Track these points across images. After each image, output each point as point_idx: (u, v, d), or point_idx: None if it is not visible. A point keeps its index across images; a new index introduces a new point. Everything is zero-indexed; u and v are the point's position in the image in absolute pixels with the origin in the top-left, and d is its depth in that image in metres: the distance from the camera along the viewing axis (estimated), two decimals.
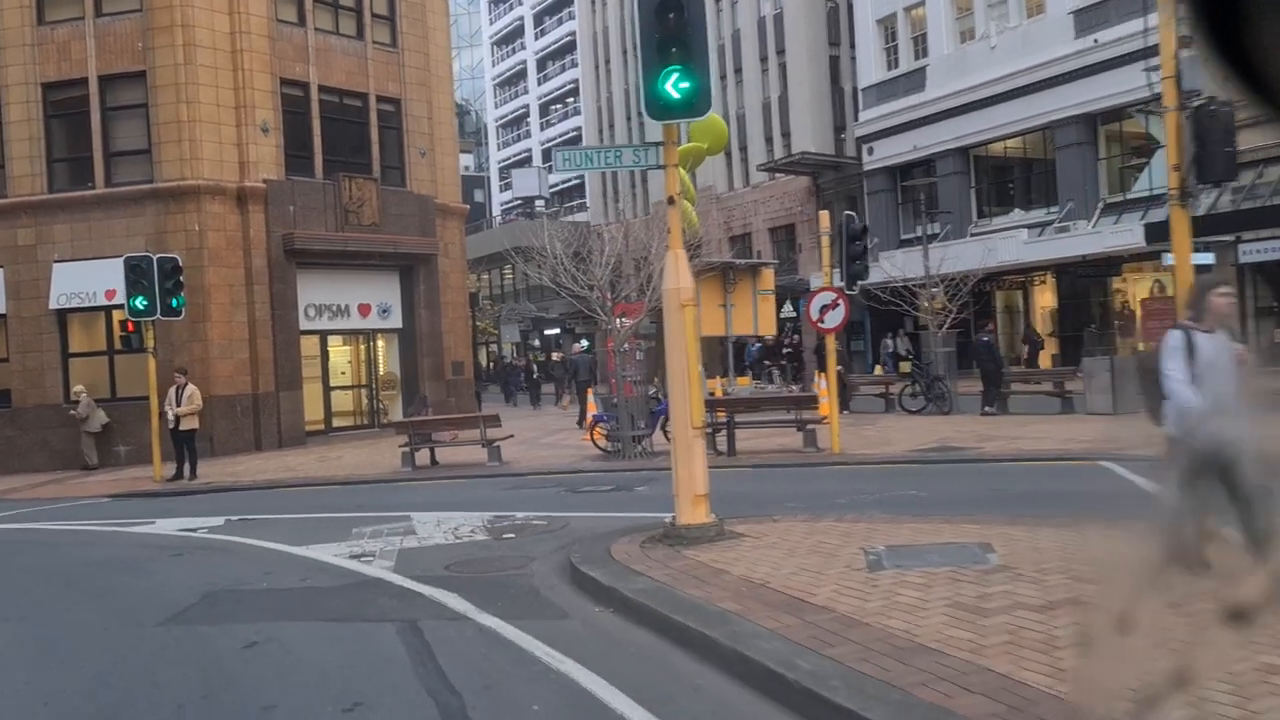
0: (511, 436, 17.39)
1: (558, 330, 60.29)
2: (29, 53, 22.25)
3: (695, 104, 8.40)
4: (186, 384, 17.73)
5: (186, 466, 17.78)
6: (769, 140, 43.74)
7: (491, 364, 54.80)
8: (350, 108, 24.56)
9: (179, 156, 21.76)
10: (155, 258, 17.80)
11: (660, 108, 8.40)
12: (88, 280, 21.57)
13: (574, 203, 72.23)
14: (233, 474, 18.28)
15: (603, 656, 5.86)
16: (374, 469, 17.51)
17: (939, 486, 11.38)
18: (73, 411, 21.53)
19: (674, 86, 8.31)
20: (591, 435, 17.25)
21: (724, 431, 15.36)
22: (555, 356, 47.93)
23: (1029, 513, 8.73)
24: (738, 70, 44.99)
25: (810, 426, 15.31)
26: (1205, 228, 22.02)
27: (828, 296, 14.51)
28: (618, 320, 18.03)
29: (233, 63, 22.31)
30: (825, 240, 14.95)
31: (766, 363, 26.71)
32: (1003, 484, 11.21)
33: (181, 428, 17.50)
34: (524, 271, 27.17)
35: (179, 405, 17.46)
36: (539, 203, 69.98)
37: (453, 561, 8.81)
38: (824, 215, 15.18)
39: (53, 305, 22.17)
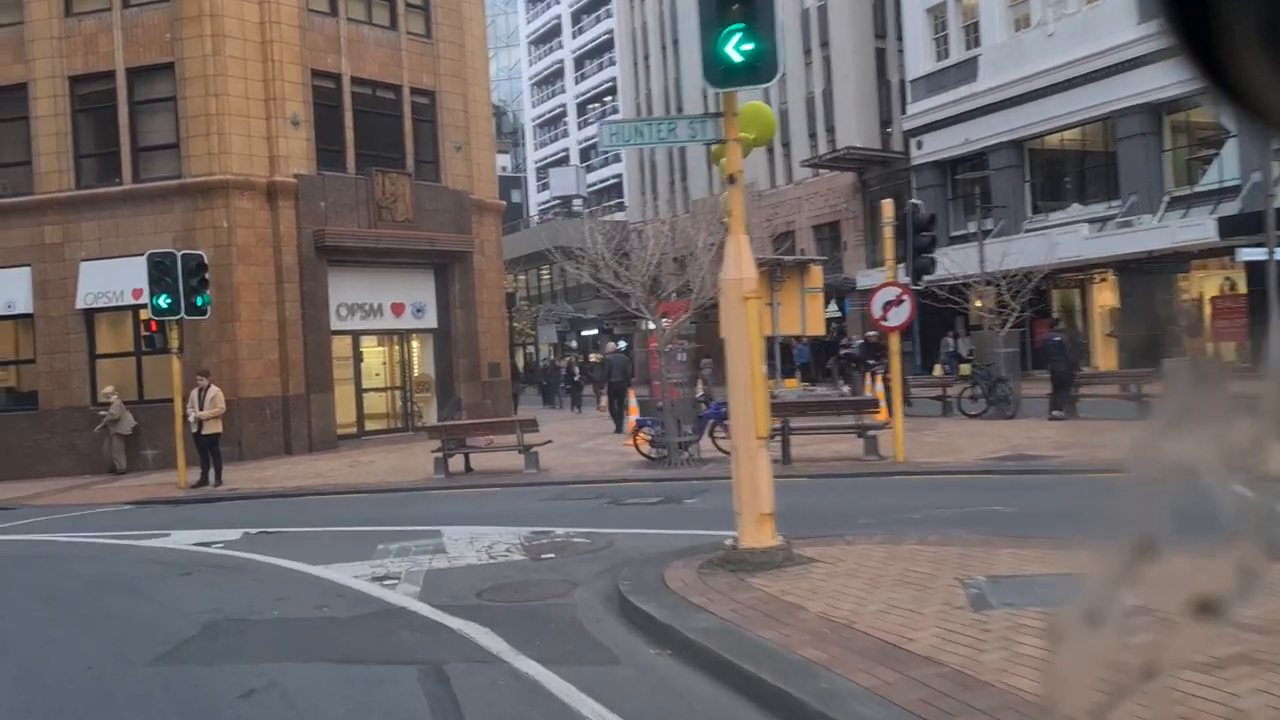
0: (550, 442, 16.44)
1: (595, 331, 59.47)
2: (56, 45, 21.67)
3: (760, 68, 7.38)
4: (209, 386, 16.96)
5: (211, 472, 17.03)
6: (813, 135, 42.60)
7: (528, 366, 54.05)
8: (383, 100, 23.76)
9: (207, 151, 21.06)
10: (179, 254, 17.07)
11: (720, 73, 7.39)
12: (115, 279, 20.92)
13: (612, 202, 71.52)
14: (259, 480, 17.50)
15: (663, 717, 4.86)
16: (405, 475, 16.65)
17: (1023, 501, 10.26)
18: (104, 413, 20.86)
19: (736, 48, 7.30)
20: (634, 441, 16.26)
21: (778, 438, 14.28)
22: (593, 358, 47.04)
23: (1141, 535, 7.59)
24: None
25: (871, 432, 14.21)
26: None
27: (891, 292, 13.40)
28: (661, 320, 17.02)
29: (262, 53, 21.58)
30: (888, 231, 13.84)
31: (871, 361, 25.07)
32: (1095, 499, 10.03)
33: (205, 432, 16.73)
34: (562, 269, 26.09)
35: (201, 408, 16.69)
36: (576, 202, 69.42)
37: (486, 587, 7.85)
38: (887, 204, 14.09)
39: (80, 305, 21.56)
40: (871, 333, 35.49)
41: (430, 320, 24.56)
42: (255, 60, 21.50)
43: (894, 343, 13.93)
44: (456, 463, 16.21)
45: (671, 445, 15.13)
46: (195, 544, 10.76)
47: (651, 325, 33.53)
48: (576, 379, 30.01)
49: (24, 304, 21.89)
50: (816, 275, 26.66)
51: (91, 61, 21.60)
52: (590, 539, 9.55)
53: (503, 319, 27.35)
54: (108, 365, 22.00)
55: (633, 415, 19.08)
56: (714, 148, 15.56)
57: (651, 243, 17.38)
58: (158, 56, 21.31)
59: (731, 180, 7.80)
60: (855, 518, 9.66)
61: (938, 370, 28.83)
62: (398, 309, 23.94)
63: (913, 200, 15.62)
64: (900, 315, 13.33)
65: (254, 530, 11.46)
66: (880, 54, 40.64)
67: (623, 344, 53.54)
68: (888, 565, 7.22)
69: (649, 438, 15.74)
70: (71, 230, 21.63)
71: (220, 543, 10.72)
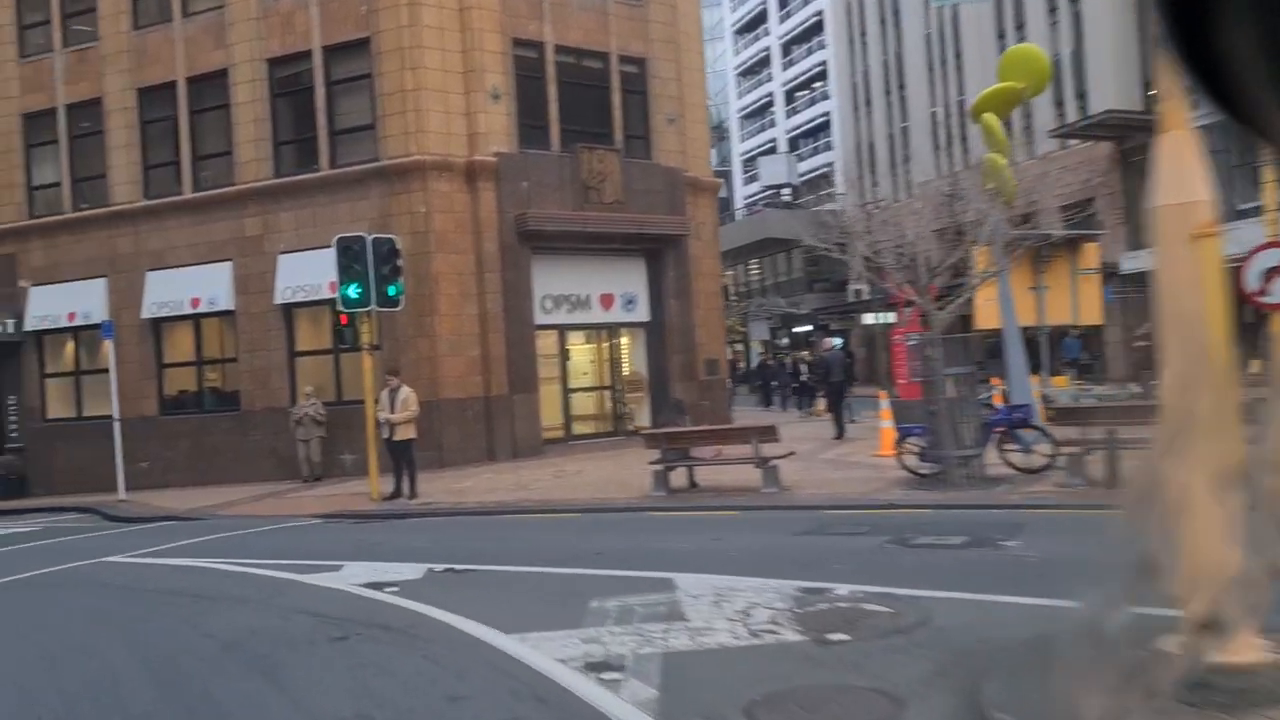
0: (792, 454, 13.54)
1: (809, 327, 56.15)
2: (254, 27, 20.61)
3: None
4: (399, 386, 15.05)
5: (405, 482, 15.14)
6: (1059, 103, 37.84)
7: (740, 364, 51.27)
8: (589, 70, 21.53)
9: (403, 130, 19.39)
10: (369, 238, 15.26)
11: None
12: (311, 271, 19.55)
13: (823, 191, 68.10)
14: (457, 492, 15.49)
15: None
16: (619, 490, 14.17)
17: None
18: (309, 413, 19.35)
19: None
20: (897, 452, 13.15)
21: (1102, 450, 10.84)
22: (804, 355, 43.61)
23: None
24: (1019, 25, 39.35)
25: None
26: None
27: (1276, 255, 9.71)
28: (920, 302, 13.83)
29: (460, 22, 19.73)
30: (1270, 172, 10.15)
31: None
32: None
33: (396, 437, 14.83)
34: (821, 247, 22.50)
35: (392, 411, 14.80)
36: (785, 192, 66.46)
37: (756, 696, 5.05)
38: None
39: (278, 300, 20.38)
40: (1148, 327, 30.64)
41: (642, 313, 22.15)
42: (453, 30, 19.68)
43: (1278, 325, 10.20)
44: (679, 477, 13.59)
45: (950, 460, 11.94)
46: (366, 585, 8.52)
47: (881, 317, 29.88)
48: (803, 378, 26.84)
49: (226, 300, 20.95)
50: (1092, 254, 22.58)
51: (289, 42, 20.40)
52: (891, 606, 6.60)
53: (720, 310, 24.66)
54: (307, 363, 20.77)
55: (885, 420, 15.94)
56: (975, 104, 11.93)
57: (919, 202, 14.18)
58: (353, 32, 19.83)
59: None
60: None
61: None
62: (606, 301, 21.65)
63: None
64: None
65: (439, 567, 9.14)
66: (1141, 6, 35.51)
67: (838, 341, 49.89)
68: None
69: (918, 449, 12.59)
70: (270, 221, 20.52)
71: (395, 585, 8.43)
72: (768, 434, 12.85)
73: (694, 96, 23.68)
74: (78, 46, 22.54)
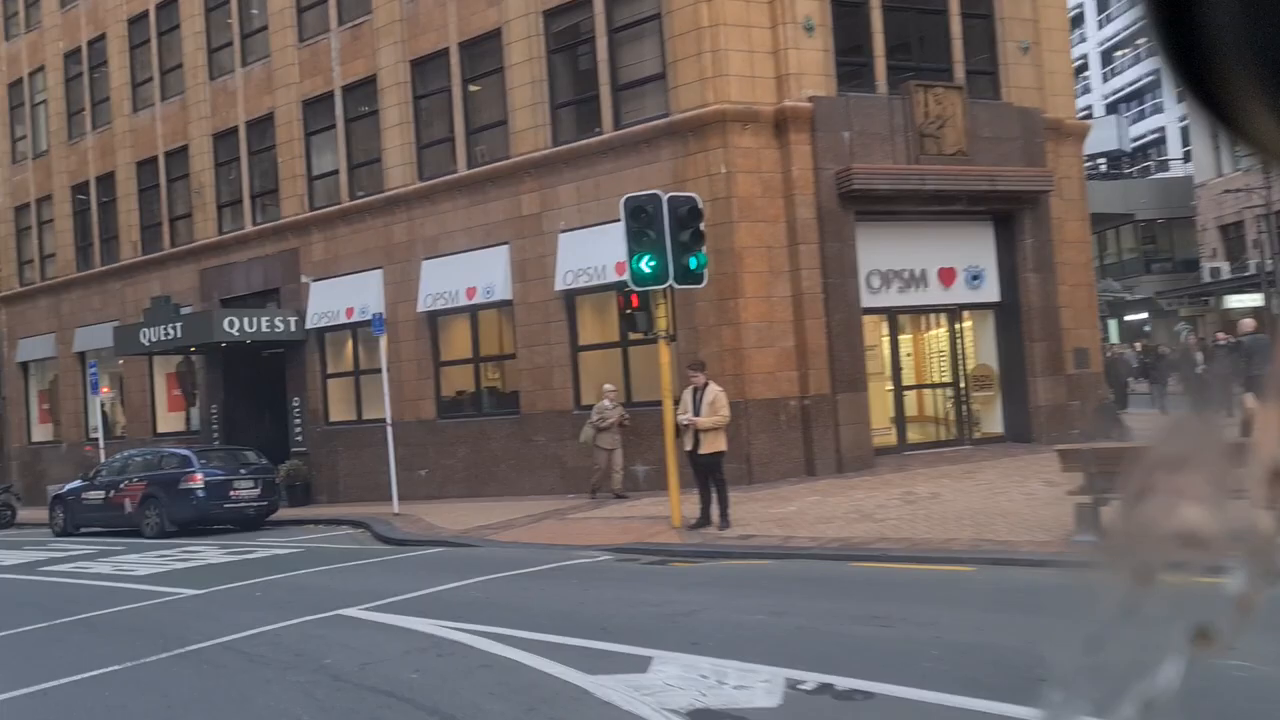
0: None
1: (1144, 315, 48.51)
2: None
3: None
4: (706, 384, 11.65)
5: (714, 507, 11.78)
6: None
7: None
8: None
9: (698, 76, 16.11)
10: (665, 197, 12.02)
11: None
12: (595, 252, 16.74)
13: (1153, 160, 59.50)
14: (780, 521, 11.95)
15: None
16: (1013, 528, 10.08)
17: None
18: (619, 418, 16.25)
19: None
20: None
21: None
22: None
23: None
24: None
25: None
26: None
27: None
28: None
29: None
30: None
31: None
32: None
33: (702, 450, 11.46)
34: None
35: (697, 414, 11.45)
36: (1101, 163, 58.63)
37: None
38: None
39: (559, 286, 17.70)
40: None
41: (989, 291, 17.72)
42: None
43: None
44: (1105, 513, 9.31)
45: None
46: (692, 716, 5.07)
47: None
48: (1199, 370, 21.24)
49: (503, 289, 18.57)
50: None
51: None
52: None
53: (1090, 286, 19.62)
54: (591, 359, 17.97)
55: None
56: None
57: None
58: None
59: None
60: None
61: None
62: (946, 276, 17.41)
63: None
64: None
65: (805, 682, 5.54)
66: None
67: (1178, 326, 42.39)
68: None
69: None
70: (548, 197, 17.91)
71: (731, 716, 4.92)
72: None
73: (1053, 18, 18.88)
74: (352, 23, 21.10)
